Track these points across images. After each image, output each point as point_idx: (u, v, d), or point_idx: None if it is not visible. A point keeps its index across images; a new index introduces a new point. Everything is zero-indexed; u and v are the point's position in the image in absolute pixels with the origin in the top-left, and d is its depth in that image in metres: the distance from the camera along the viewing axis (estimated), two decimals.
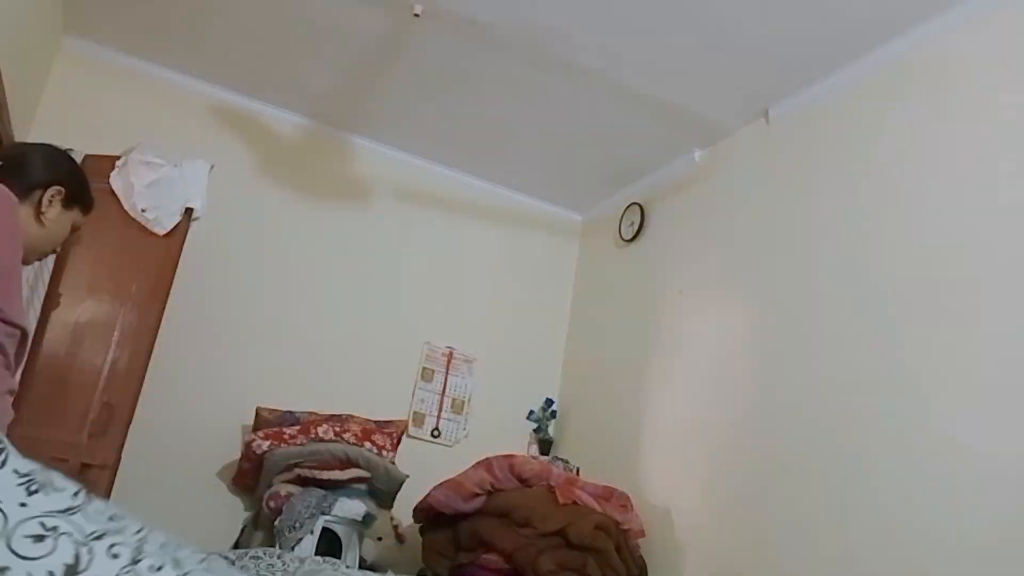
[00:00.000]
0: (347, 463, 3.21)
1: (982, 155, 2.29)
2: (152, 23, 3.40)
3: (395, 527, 3.37)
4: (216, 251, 3.62)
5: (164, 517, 3.64)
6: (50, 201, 1.59)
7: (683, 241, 3.63)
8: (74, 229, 1.67)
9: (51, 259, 2.88)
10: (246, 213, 3.78)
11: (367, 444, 3.31)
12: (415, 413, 3.95)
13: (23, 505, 0.73)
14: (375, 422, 3.49)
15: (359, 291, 3.97)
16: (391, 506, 3.40)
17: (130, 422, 2.87)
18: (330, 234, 3.96)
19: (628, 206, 4.06)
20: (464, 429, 4.04)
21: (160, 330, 3.00)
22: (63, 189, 1.61)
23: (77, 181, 1.66)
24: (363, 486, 3.27)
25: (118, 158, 3.08)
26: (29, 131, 3.33)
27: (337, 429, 3.30)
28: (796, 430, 2.64)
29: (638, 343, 3.68)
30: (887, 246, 2.50)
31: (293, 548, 2.95)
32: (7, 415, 1.43)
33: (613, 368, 3.84)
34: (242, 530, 3.40)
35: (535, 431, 4.13)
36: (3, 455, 0.77)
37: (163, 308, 3.00)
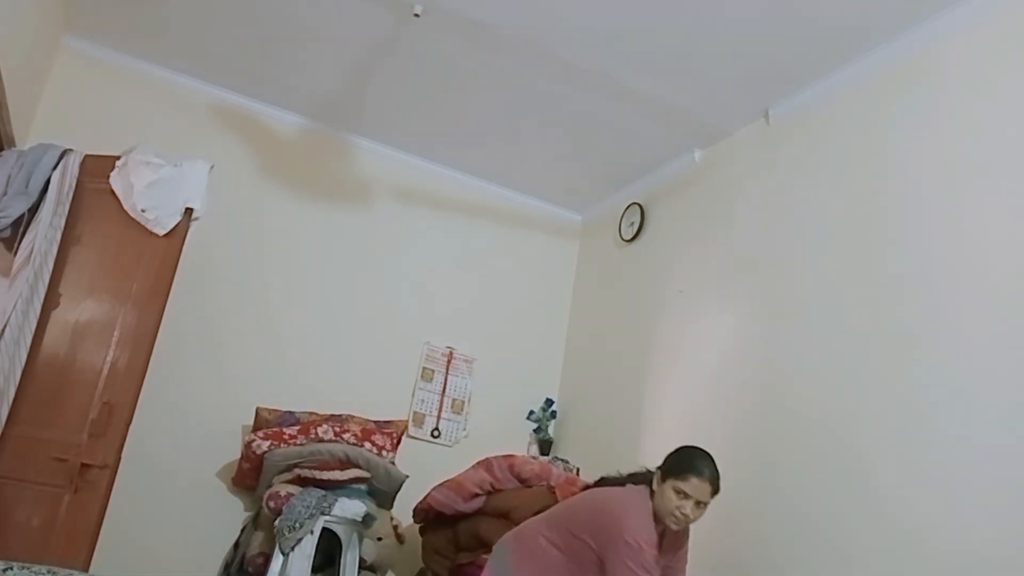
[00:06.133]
0: (347, 463, 3.21)
1: (981, 154, 2.29)
2: (152, 23, 3.40)
3: (395, 527, 3.37)
4: (216, 251, 3.62)
5: (164, 517, 3.65)
6: (661, 479, 2.29)
7: (683, 241, 3.62)
8: (677, 492, 2.27)
9: (51, 259, 2.88)
10: (246, 213, 3.78)
11: (367, 444, 3.32)
12: (415, 413, 3.95)
13: None
14: (375, 422, 3.49)
15: (359, 291, 3.97)
16: (391, 506, 3.40)
17: (130, 422, 2.87)
18: (330, 234, 3.96)
19: (628, 206, 4.06)
20: (464, 429, 4.04)
21: (160, 330, 2.99)
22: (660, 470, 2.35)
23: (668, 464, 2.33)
24: (363, 486, 3.27)
25: (118, 158, 3.08)
26: (29, 131, 3.33)
27: (337, 429, 3.31)
28: (796, 430, 2.64)
29: (638, 343, 3.68)
30: (887, 245, 2.51)
31: (293, 548, 2.96)
32: None
33: (613, 368, 3.84)
34: (242, 530, 3.40)
35: (535, 431, 4.13)
36: None
37: (163, 308, 2.99)
